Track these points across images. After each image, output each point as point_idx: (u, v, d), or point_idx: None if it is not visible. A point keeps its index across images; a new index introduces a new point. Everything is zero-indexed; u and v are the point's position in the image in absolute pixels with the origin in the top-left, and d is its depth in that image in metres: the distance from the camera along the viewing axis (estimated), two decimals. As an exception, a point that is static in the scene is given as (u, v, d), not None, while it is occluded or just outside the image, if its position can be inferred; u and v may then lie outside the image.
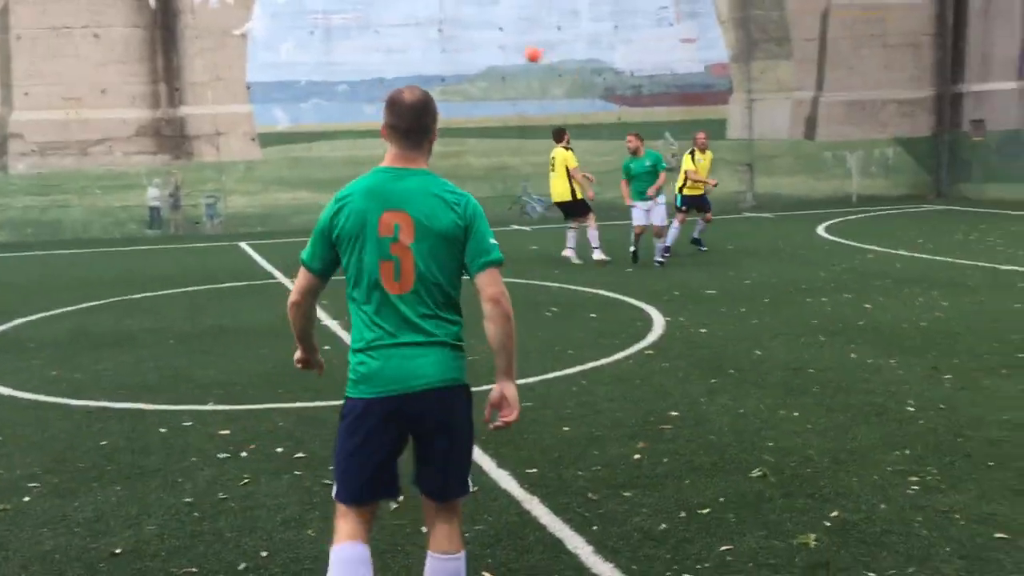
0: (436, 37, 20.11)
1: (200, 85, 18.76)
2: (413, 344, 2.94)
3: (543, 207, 20.91)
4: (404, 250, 2.92)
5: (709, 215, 13.41)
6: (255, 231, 18.66)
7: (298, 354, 3.36)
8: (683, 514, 4.26)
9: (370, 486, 3.03)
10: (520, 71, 20.56)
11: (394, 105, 3.06)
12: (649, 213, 12.05)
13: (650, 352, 7.53)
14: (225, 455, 5.24)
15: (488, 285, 2.98)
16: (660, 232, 12.13)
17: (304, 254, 3.08)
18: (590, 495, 4.52)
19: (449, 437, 3.03)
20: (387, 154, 3.08)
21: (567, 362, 7.24)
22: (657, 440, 5.31)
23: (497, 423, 3.09)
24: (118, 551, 4.04)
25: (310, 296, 3.12)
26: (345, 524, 3.03)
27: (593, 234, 12.45)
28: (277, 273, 12.74)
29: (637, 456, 5.04)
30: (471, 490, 3.22)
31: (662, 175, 12.05)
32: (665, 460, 4.97)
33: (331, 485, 3.21)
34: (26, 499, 4.68)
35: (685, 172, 13.01)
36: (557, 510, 4.35)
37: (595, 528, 4.15)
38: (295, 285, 3.14)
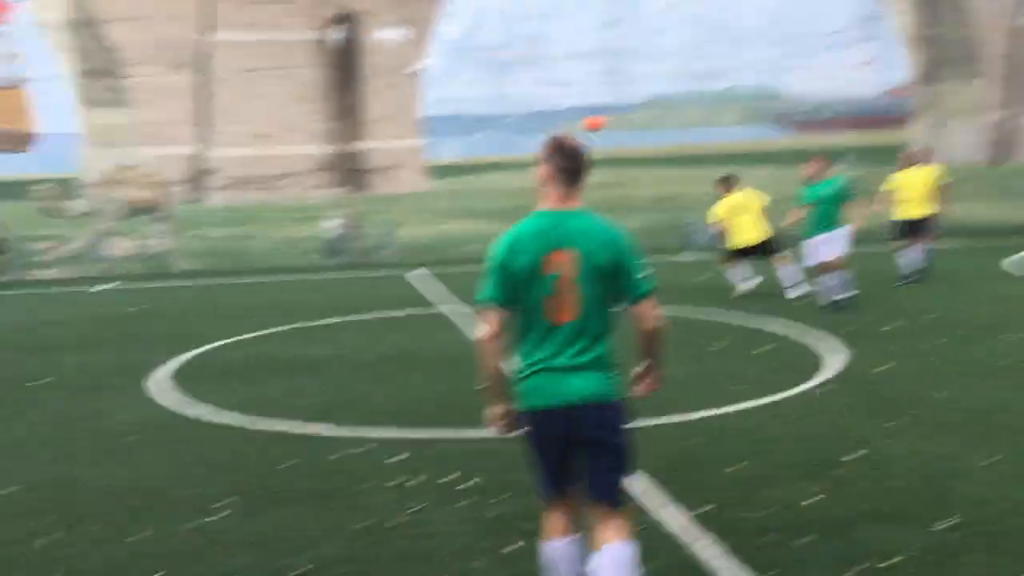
0: (602, 68, 20.27)
1: (376, 121, 19.64)
2: (570, 365, 3.32)
3: (709, 237, 20.57)
4: (567, 284, 3.26)
5: (928, 239, 12.13)
6: (427, 260, 19.25)
7: (498, 408, 3.55)
8: (866, 565, 4.05)
9: (559, 481, 3.46)
10: (688, 99, 20.38)
11: (564, 149, 3.37)
12: (829, 246, 10.70)
13: (825, 390, 7.22)
14: (397, 482, 5.39)
15: (643, 315, 3.40)
16: (832, 266, 10.70)
17: (488, 294, 3.39)
18: (765, 538, 4.37)
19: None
20: (551, 195, 3.39)
21: (736, 398, 7.05)
22: (834, 483, 5.08)
23: (642, 388, 3.58)
24: (300, 572, 4.22)
25: (501, 335, 3.40)
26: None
27: (789, 270, 11.62)
28: (449, 301, 13.07)
29: (813, 499, 4.84)
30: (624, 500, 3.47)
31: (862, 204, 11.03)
32: (844, 505, 4.75)
33: (505, 515, 3.90)
34: (218, 516, 4.97)
35: (884, 194, 12.05)
36: (730, 552, 4.22)
37: (771, 574, 4.00)
38: (488, 324, 3.41)
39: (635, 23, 20.38)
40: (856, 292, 10.78)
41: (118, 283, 17.28)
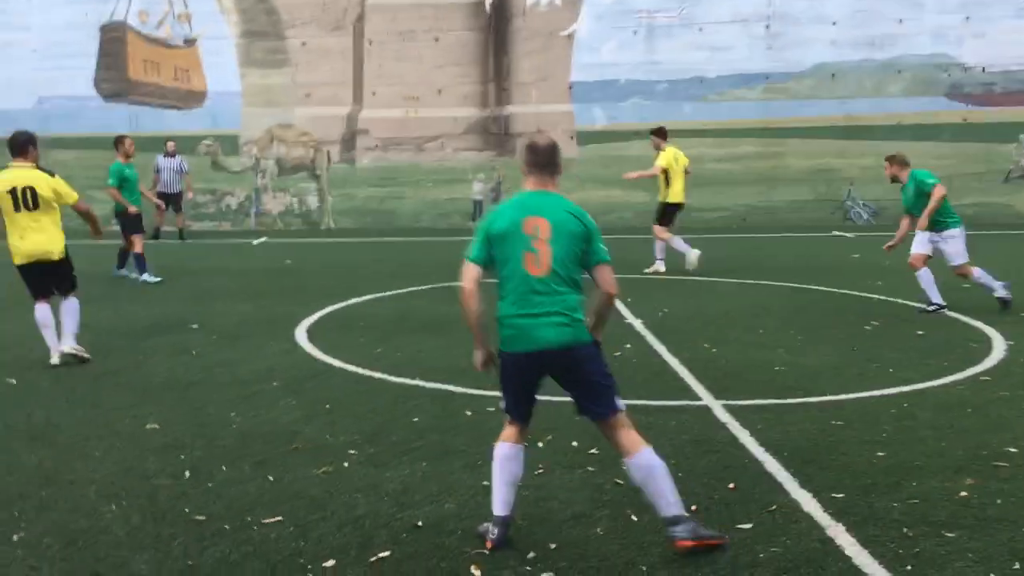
0: (762, 34, 19.46)
1: (526, 85, 19.56)
2: (544, 313, 3.94)
3: (869, 213, 19.56)
4: (543, 243, 3.93)
5: None
6: (568, 227, 19.17)
7: (480, 352, 4.23)
8: (1016, 566, 3.72)
9: (523, 408, 4.20)
10: (852, 67, 19.36)
11: (534, 149, 4.13)
12: (931, 246, 9.29)
13: (986, 378, 6.71)
14: (524, 443, 5.34)
15: (602, 279, 4.07)
16: (962, 272, 9.34)
17: (469, 252, 4.06)
18: (905, 530, 4.07)
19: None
20: (529, 182, 4.12)
21: (886, 381, 6.65)
22: (989, 478, 4.70)
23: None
24: (420, 524, 4.24)
25: (476, 286, 4.05)
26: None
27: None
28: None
29: (964, 493, 4.48)
30: (621, 408, 4.07)
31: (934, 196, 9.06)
32: (999, 501, 4.38)
33: (623, 485, 4.27)
34: (345, 464, 5.06)
35: None
36: (866, 542, 3.96)
37: (909, 568, 3.72)
38: (464, 276, 4.07)
39: (800, -13, 19.36)
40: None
41: (264, 239, 18.00)
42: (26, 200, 7.21)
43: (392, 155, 19.94)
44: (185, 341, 8.40)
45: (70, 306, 7.59)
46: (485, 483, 4.71)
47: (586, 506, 4.44)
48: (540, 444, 5.33)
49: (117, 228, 12.41)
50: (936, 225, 9.21)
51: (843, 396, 6.28)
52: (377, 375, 7.05)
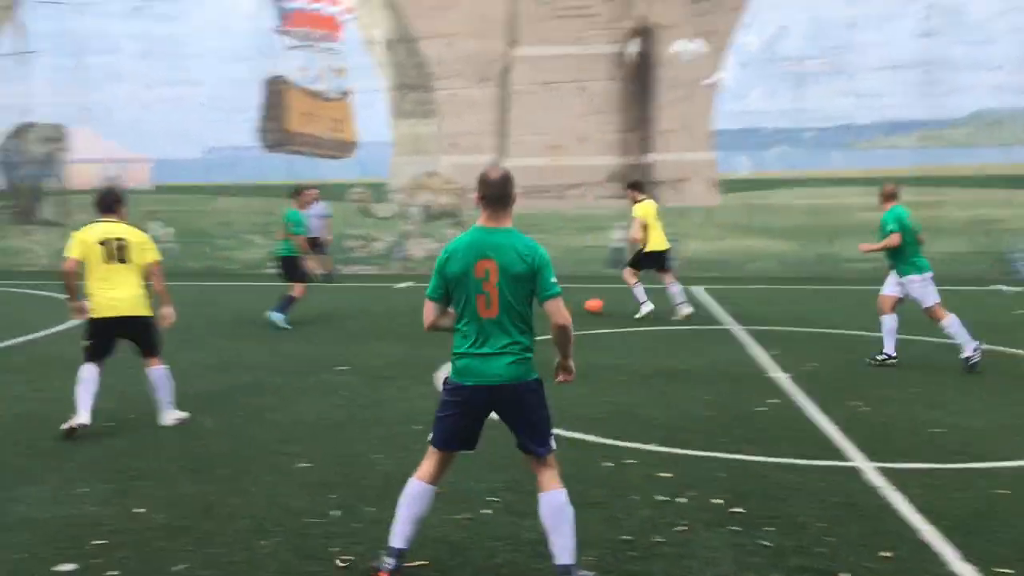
0: (916, 80, 18.80)
1: (668, 133, 19.52)
2: (492, 352, 4.15)
3: (1034, 266, 18.45)
4: (492, 287, 4.08)
5: None
6: (710, 276, 18.87)
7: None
8: None
9: (456, 443, 4.33)
10: (1015, 114, 18.43)
11: (486, 181, 4.22)
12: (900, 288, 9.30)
13: None
14: (664, 498, 5.27)
15: (553, 313, 4.25)
16: (934, 316, 9.18)
17: (428, 290, 4.25)
18: (1080, 614, 3.78)
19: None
20: (482, 215, 4.21)
21: (1057, 449, 6.21)
22: None
23: (562, 379, 4.52)
24: (558, 576, 4.22)
25: (437, 320, 4.32)
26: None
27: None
28: (727, 319, 12.70)
29: None
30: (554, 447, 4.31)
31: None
32: None
33: (770, 548, 4.19)
34: (485, 512, 5.11)
35: None
36: (1035, 624, 3.70)
37: (1086, 657, 3.45)
38: (425, 313, 4.30)
39: (958, 32, 18.65)
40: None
41: (410, 283, 18.49)
42: (117, 253, 7.03)
43: (534, 202, 20.20)
44: (334, 381, 8.71)
45: (158, 374, 7.21)
46: (625, 537, 4.67)
47: (729, 568, 4.32)
48: (682, 500, 5.23)
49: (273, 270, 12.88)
50: (897, 269, 9.33)
51: (1009, 463, 5.90)
52: (517, 422, 7.08)
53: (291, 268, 12.47)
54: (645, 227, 12.97)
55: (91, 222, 7.26)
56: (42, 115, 21.60)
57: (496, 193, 4.20)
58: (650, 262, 13.20)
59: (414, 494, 4.25)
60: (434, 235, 20.57)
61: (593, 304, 13.78)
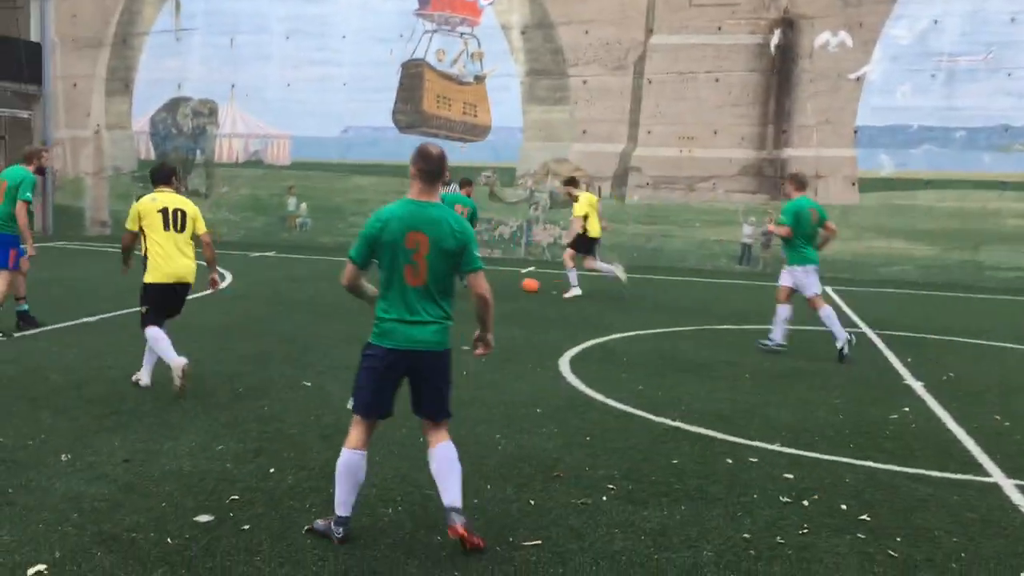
0: (1082, 79, 17.64)
1: (807, 128, 18.95)
2: (419, 320, 4.38)
3: None
4: (421, 259, 4.30)
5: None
6: (842, 277, 18.26)
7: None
8: None
9: (382, 408, 4.50)
10: None
11: (426, 155, 4.41)
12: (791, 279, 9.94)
13: None
14: (787, 500, 5.16)
15: (475, 285, 4.49)
16: (812, 305, 9.87)
17: (353, 253, 4.43)
18: None
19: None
20: (414, 188, 4.42)
21: None
22: None
23: (480, 352, 4.69)
24: (674, 569, 4.20)
25: (357, 281, 4.51)
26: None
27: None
28: (860, 322, 12.27)
29: None
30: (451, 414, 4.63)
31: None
32: None
33: (897, 557, 3.95)
34: (603, 498, 5.12)
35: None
36: None
37: None
38: (346, 274, 4.48)
39: None
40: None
41: (533, 268, 18.58)
42: (176, 221, 7.30)
43: (663, 194, 19.98)
44: (457, 361, 8.84)
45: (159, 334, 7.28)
46: (745, 535, 4.60)
47: (854, 575, 4.19)
48: (806, 503, 5.11)
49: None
50: (787, 257, 10.05)
51: None
52: (638, 412, 7.07)
53: None
54: (586, 216, 14.16)
55: (150, 193, 7.58)
56: (194, 90, 22.68)
57: (434, 169, 4.41)
58: (584, 246, 14.37)
59: (352, 464, 4.41)
60: (560, 222, 20.60)
61: (529, 284, 14.83)
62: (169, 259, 7.26)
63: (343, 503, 4.40)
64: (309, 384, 7.63)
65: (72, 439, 5.84)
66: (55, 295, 12.29)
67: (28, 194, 9.35)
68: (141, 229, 7.30)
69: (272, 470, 5.39)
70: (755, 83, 19.17)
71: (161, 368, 7.33)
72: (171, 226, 7.30)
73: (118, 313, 10.84)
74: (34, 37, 23.32)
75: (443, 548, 4.34)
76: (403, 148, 21.01)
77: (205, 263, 7.63)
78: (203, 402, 6.91)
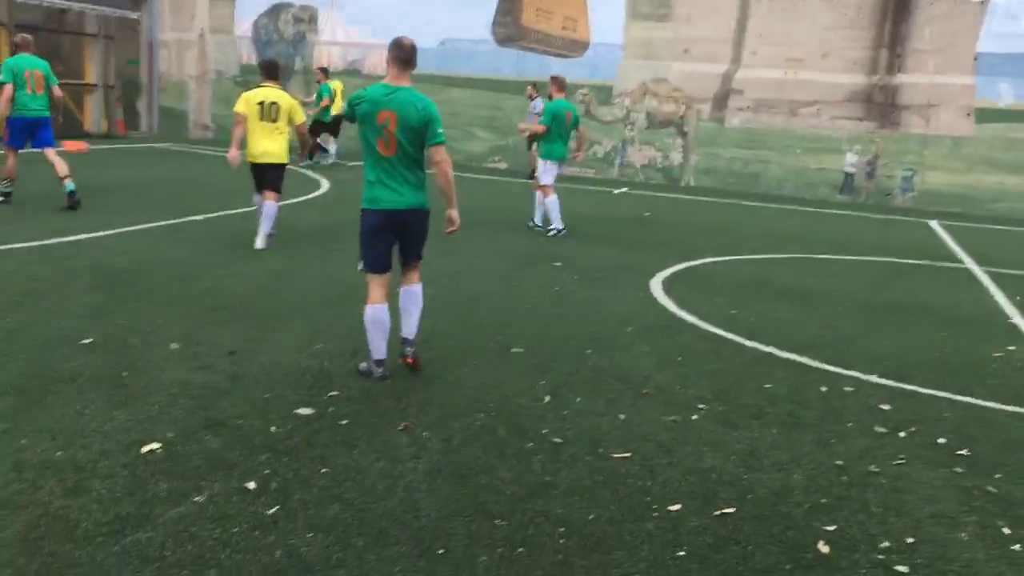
0: None
1: (923, 53, 18.03)
2: (396, 184, 5.25)
3: None
4: (390, 134, 5.12)
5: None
6: (949, 211, 17.56)
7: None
8: None
9: (383, 260, 5.38)
10: None
11: (400, 44, 5.22)
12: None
13: None
14: (883, 430, 5.08)
15: (435, 154, 5.27)
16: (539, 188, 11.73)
17: (345, 113, 5.36)
18: None
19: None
20: (389, 74, 5.23)
21: None
22: None
23: (449, 230, 5.51)
24: (763, 490, 4.19)
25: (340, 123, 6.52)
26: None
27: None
28: (967, 258, 11.83)
29: None
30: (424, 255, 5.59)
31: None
32: None
33: (995, 494, 4.14)
34: (693, 417, 5.12)
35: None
36: None
37: None
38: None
39: None
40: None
41: (626, 189, 18.36)
42: (270, 113, 8.97)
43: (763, 118, 19.39)
44: (550, 276, 8.89)
45: (271, 207, 9.15)
46: (838, 462, 4.56)
47: (949, 507, 4.13)
48: (902, 434, 5.02)
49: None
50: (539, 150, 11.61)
51: None
52: (730, 336, 7.00)
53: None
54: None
55: (256, 86, 9.27)
56: (296, -3, 22.76)
57: (406, 56, 5.22)
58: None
59: (378, 317, 5.29)
60: (656, 143, 20.24)
61: (74, 145, 15.64)
62: (256, 144, 9.00)
63: (378, 348, 5.31)
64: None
65: (180, 330, 6.09)
66: (161, 194, 12.70)
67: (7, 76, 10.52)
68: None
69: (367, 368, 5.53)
70: (870, 4, 18.25)
71: (259, 273, 7.54)
72: (265, 117, 8.97)
73: (223, 213, 11.15)
74: (142, -61, 23.63)
75: (535, 453, 4.42)
76: (500, 62, 20.86)
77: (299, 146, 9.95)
78: (303, 302, 7.11)
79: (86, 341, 5.69)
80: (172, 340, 5.84)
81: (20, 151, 10.77)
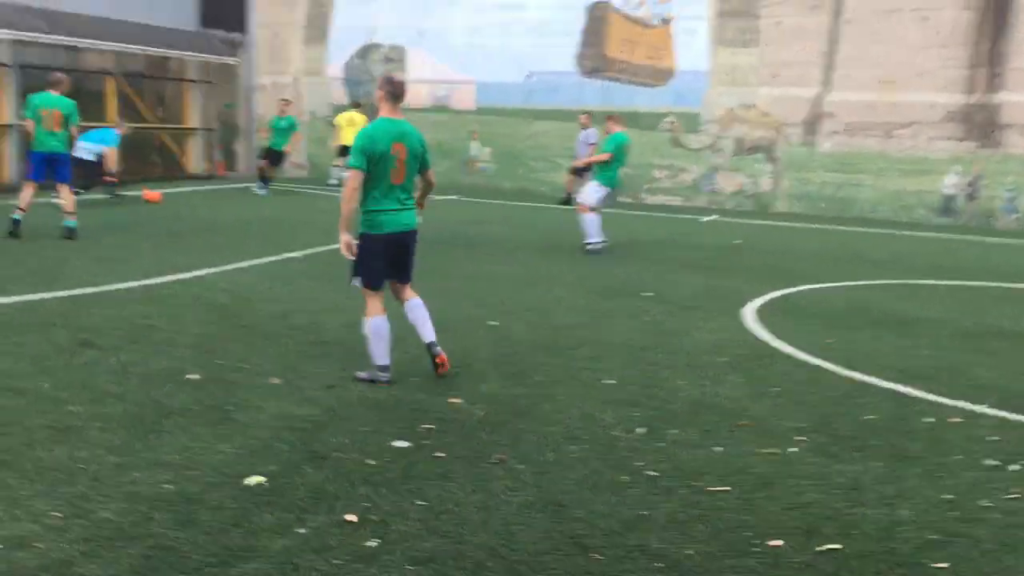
0: None
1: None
2: (403, 210, 5.89)
3: None
4: (401, 163, 5.76)
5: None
6: (1055, 233, 16.84)
7: (346, 237, 5.82)
8: None
9: (382, 278, 5.97)
10: None
11: (391, 80, 5.91)
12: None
13: None
14: (993, 463, 4.88)
15: (429, 175, 6.13)
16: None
17: (356, 163, 5.70)
18: None
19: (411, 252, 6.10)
20: (383, 109, 5.88)
21: None
22: None
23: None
24: (869, 525, 4.07)
25: (359, 186, 5.74)
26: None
27: None
28: (1078, 282, 11.32)
29: None
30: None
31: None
32: None
33: None
34: (792, 449, 5.01)
35: None
36: None
37: None
38: (351, 183, 5.75)
39: None
40: None
41: (715, 216, 18.16)
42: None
43: (857, 140, 18.97)
44: (640, 306, 8.85)
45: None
46: (947, 497, 4.41)
47: (1069, 546, 3.94)
48: (1014, 467, 4.82)
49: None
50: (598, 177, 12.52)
51: None
52: (827, 365, 6.84)
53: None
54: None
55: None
56: (384, 36, 23.32)
57: (399, 92, 5.89)
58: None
59: (381, 327, 5.86)
60: (745, 169, 20.00)
61: (152, 195, 15.84)
62: None
63: (382, 355, 5.86)
64: (496, 324, 7.82)
65: (281, 364, 6.27)
66: (261, 232, 13.12)
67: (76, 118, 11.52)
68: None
69: (461, 402, 5.59)
70: (967, 22, 17.75)
71: (354, 307, 7.70)
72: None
73: (319, 249, 11.45)
74: (239, -13, 24.61)
75: (630, 486, 4.39)
76: (584, 94, 20.95)
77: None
78: (395, 335, 7.23)
79: (192, 376, 5.90)
80: (273, 374, 6.01)
81: (39, 183, 11.56)
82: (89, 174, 15.51)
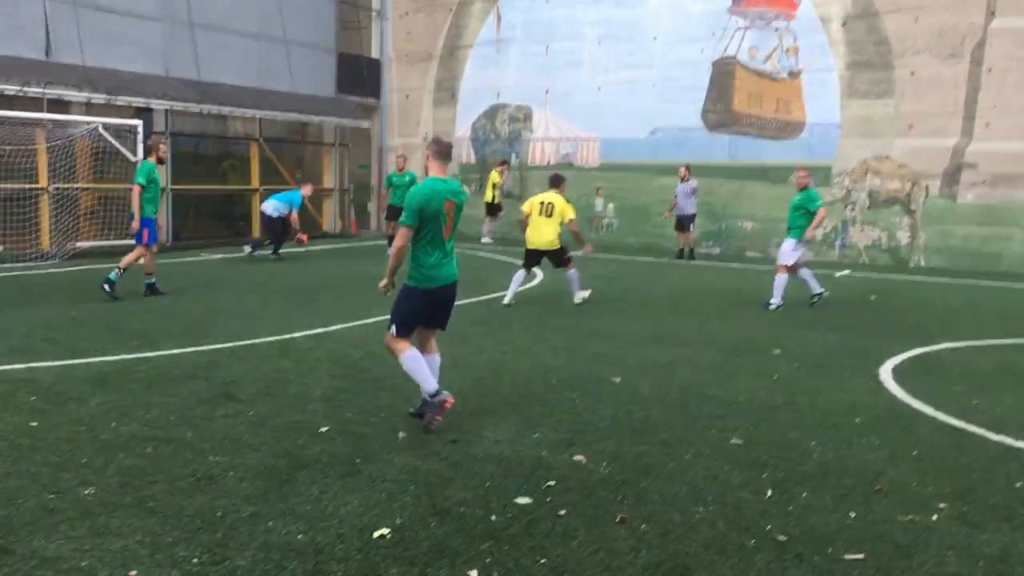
0: None
1: None
2: (449, 262, 6.21)
3: None
4: (451, 219, 6.12)
5: None
6: None
7: (388, 281, 6.35)
8: None
9: (415, 327, 6.28)
10: None
11: (440, 142, 6.28)
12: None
13: None
14: None
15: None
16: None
17: (408, 221, 5.99)
18: None
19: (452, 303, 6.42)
20: (433, 168, 6.21)
21: None
22: None
23: None
24: (1021, 600, 3.82)
25: (407, 243, 6.07)
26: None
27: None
28: None
29: None
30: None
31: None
32: None
33: None
34: (934, 517, 4.76)
35: None
36: None
37: None
38: (400, 241, 6.07)
39: None
40: None
41: (848, 271, 17.56)
42: (546, 210, 11.96)
43: (1002, 192, 18.10)
44: (767, 364, 8.63)
45: (572, 274, 12.25)
46: None
47: None
48: None
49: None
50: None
51: None
52: (973, 428, 6.48)
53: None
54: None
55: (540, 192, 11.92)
56: (511, 97, 23.86)
57: (447, 151, 6.22)
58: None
59: (417, 357, 6.12)
60: (879, 222, 19.34)
61: (303, 236, 17.83)
62: (536, 233, 12.01)
63: (428, 381, 6.06)
64: (619, 380, 7.77)
65: (406, 418, 6.40)
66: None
67: (140, 179, 11.67)
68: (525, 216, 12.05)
69: (584, 460, 5.56)
70: None
71: (479, 362, 7.77)
72: (543, 213, 11.97)
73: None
74: (374, 54, 25.71)
75: (758, 550, 4.26)
76: (711, 148, 20.81)
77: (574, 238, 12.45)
78: (520, 391, 7.28)
79: (323, 429, 6.08)
80: (400, 428, 6.14)
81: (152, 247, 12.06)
82: (275, 230, 17.16)
